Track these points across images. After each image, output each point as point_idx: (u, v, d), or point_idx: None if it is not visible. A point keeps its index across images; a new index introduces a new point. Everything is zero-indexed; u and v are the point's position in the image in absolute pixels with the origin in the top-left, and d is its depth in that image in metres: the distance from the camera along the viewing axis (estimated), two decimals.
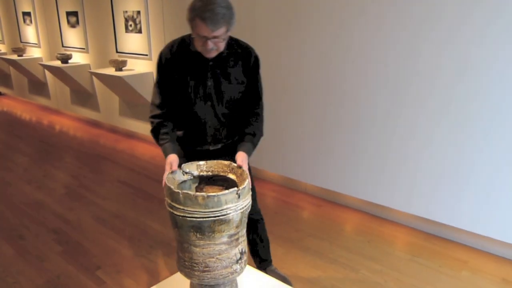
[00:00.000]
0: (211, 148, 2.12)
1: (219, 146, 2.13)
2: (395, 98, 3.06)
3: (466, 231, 3.00)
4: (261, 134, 2.12)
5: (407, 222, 3.32)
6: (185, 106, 2.02)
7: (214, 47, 1.83)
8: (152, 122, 2.05)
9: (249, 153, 1.98)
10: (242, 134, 2.07)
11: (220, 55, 1.94)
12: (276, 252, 2.98)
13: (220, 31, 1.78)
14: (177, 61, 1.98)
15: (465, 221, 2.95)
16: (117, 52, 5.33)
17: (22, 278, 2.75)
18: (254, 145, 2.06)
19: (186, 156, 2.08)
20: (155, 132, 2.03)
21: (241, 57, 2.02)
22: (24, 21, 7.03)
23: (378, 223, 3.38)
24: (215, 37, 1.79)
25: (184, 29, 2.00)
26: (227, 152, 2.10)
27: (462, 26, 2.67)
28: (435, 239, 3.13)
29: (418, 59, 2.89)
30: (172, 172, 1.72)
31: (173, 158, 1.88)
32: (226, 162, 1.78)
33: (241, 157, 1.89)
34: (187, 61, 1.97)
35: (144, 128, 5.38)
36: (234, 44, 2.00)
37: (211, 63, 1.95)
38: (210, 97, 2.00)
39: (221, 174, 1.75)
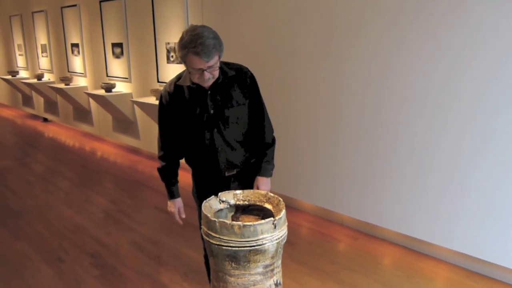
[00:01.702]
0: (226, 174, 2.16)
1: (234, 171, 2.17)
2: (435, 128, 2.99)
3: None
4: (272, 145, 2.21)
5: (448, 258, 3.19)
6: (195, 138, 2.10)
7: (211, 76, 1.93)
8: (161, 163, 2.23)
9: (267, 174, 2.19)
10: (258, 156, 2.19)
11: (216, 82, 2.01)
12: (311, 284, 2.92)
13: (214, 61, 1.88)
14: (177, 98, 2.07)
15: None
16: (158, 82, 5.51)
17: None
18: (270, 162, 2.20)
19: (201, 183, 2.24)
20: (164, 171, 2.23)
21: (237, 79, 2.08)
22: (72, 52, 7.41)
23: (417, 258, 3.27)
24: (209, 67, 1.88)
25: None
26: (241, 177, 2.19)
27: (508, 57, 2.61)
28: (478, 277, 2.99)
29: (459, 89, 2.84)
30: (208, 200, 1.75)
31: (181, 204, 2.29)
32: (263, 192, 1.78)
33: (263, 183, 2.15)
34: (186, 95, 2.06)
35: None
36: (226, 69, 2.07)
37: (209, 92, 2.03)
38: (216, 124, 2.06)
39: (258, 203, 1.76)
